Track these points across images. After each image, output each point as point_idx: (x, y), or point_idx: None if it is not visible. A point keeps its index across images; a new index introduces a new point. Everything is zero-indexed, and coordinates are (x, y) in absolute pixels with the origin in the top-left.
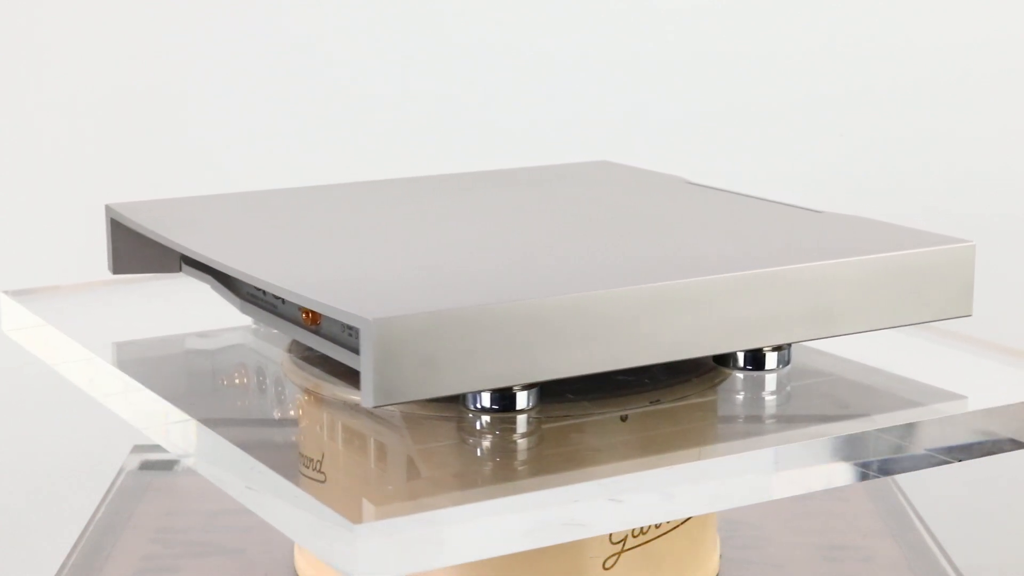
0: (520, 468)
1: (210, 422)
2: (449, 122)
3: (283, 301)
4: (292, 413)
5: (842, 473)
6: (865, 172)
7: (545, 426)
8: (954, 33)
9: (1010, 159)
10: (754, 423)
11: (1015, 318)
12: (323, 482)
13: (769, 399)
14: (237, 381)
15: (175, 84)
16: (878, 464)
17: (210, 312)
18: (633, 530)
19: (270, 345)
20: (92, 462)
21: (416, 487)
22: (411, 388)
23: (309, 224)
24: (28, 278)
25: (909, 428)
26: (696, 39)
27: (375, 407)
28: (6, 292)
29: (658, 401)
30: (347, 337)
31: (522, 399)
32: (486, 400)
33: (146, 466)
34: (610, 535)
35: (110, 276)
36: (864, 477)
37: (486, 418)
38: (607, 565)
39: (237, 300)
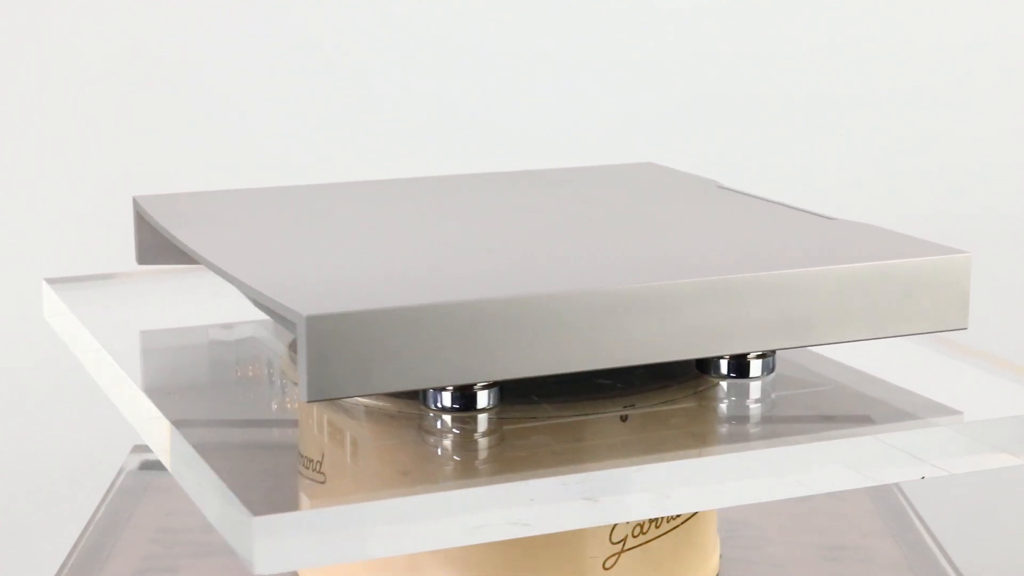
0: (457, 466)
1: (181, 422)
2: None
3: None
4: (270, 408)
5: (795, 486)
6: (865, 172)
7: (489, 427)
8: (954, 33)
9: (1011, 159)
10: (720, 430)
11: (1017, 318)
12: (323, 483)
13: (744, 407)
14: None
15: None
16: (837, 477)
17: (226, 306)
18: (633, 530)
19: (280, 340)
20: (92, 462)
21: (338, 484)
22: (347, 384)
23: (311, 221)
24: (81, 266)
25: (882, 440)
26: (695, 39)
27: (310, 401)
28: (48, 280)
29: (632, 406)
30: None
31: (481, 399)
32: (444, 399)
33: (146, 466)
34: (610, 535)
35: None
36: (812, 491)
37: (445, 417)
38: (607, 565)
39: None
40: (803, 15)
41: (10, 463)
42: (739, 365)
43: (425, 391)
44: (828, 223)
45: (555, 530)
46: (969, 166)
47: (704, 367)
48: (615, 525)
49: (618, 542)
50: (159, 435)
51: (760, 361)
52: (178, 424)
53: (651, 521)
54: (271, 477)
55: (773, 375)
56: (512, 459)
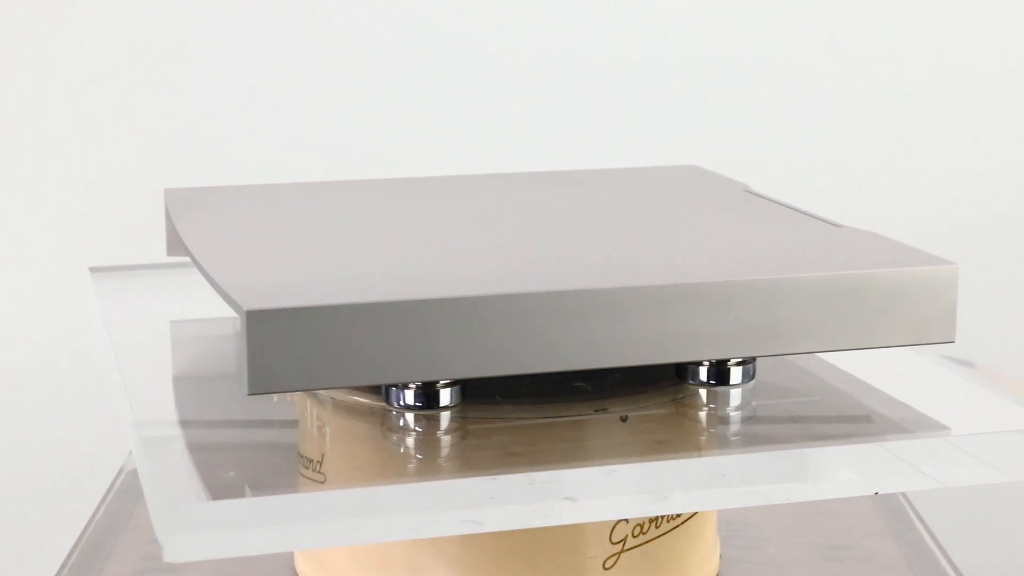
0: (407, 463)
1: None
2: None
3: None
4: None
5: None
6: (865, 172)
7: (449, 426)
8: (954, 33)
9: (1011, 160)
10: (687, 436)
11: (1017, 319)
12: (323, 482)
13: (717, 414)
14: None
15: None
16: (804, 490)
17: None
18: (633, 530)
19: None
20: (92, 462)
21: (264, 479)
22: (289, 378)
23: (317, 218)
24: (125, 255)
25: (844, 452)
26: (695, 38)
27: (251, 394)
28: (92, 269)
29: (604, 410)
30: None
31: (443, 398)
32: (406, 397)
33: None
34: (610, 535)
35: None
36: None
37: (407, 415)
38: (607, 565)
39: None
40: (803, 15)
41: (10, 463)
42: (718, 372)
43: (388, 389)
44: (832, 230)
45: (505, 528)
46: (969, 166)
47: (682, 373)
48: (615, 525)
49: (618, 542)
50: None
51: (739, 368)
52: (140, 422)
53: (651, 521)
54: (209, 469)
55: (753, 383)
56: (467, 458)
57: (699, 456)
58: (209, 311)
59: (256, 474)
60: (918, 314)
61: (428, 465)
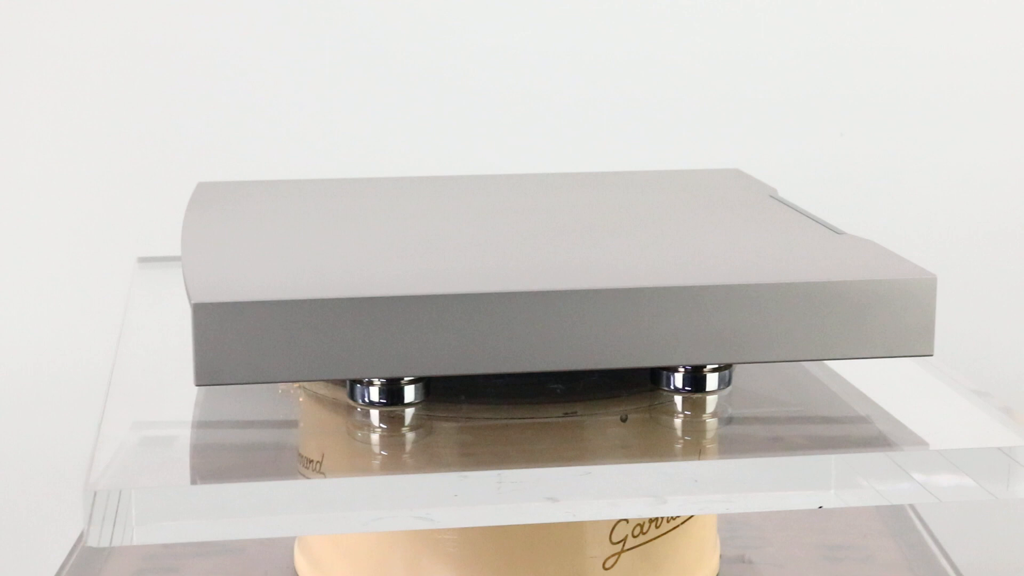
0: (358, 458)
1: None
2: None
3: None
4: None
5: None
6: (864, 172)
7: (410, 423)
8: (955, 33)
9: (1011, 160)
10: (652, 442)
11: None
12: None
13: (687, 421)
14: None
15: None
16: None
17: None
18: (633, 530)
19: None
20: None
21: (227, 469)
22: (235, 371)
23: (325, 215)
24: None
25: (808, 464)
26: (694, 38)
27: (198, 385)
28: (141, 259)
29: (574, 413)
30: None
31: (407, 395)
32: (368, 394)
33: None
34: (610, 535)
35: None
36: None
37: (372, 411)
38: (607, 565)
39: None
40: (803, 15)
41: (10, 463)
42: (692, 378)
43: (351, 385)
44: (830, 238)
45: (456, 526)
46: (971, 166)
47: (656, 379)
48: (615, 525)
49: (618, 542)
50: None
51: (715, 375)
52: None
53: (651, 521)
54: (151, 457)
55: (729, 389)
56: (426, 454)
57: (660, 462)
58: None
59: (211, 462)
60: (893, 326)
61: (383, 460)
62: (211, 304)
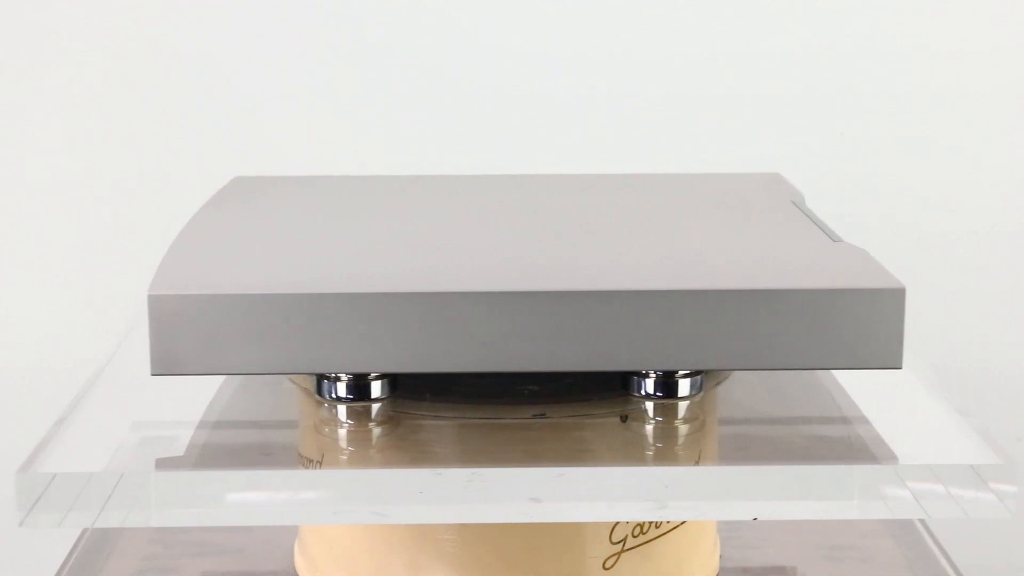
0: (312, 451)
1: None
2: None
3: None
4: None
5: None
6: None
7: (374, 419)
8: (955, 32)
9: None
10: (604, 446)
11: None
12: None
13: (655, 426)
14: None
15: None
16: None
17: None
18: (633, 530)
19: None
20: None
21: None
22: (190, 362)
23: (338, 211)
24: None
25: (768, 475)
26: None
27: (154, 375)
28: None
29: (543, 415)
30: None
31: (374, 391)
32: (336, 389)
33: None
34: (610, 535)
35: None
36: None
37: (340, 406)
38: (607, 565)
39: None
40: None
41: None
42: (664, 384)
43: (319, 381)
44: (823, 246)
45: (411, 522)
46: (971, 166)
47: (626, 384)
48: (615, 525)
49: (618, 542)
50: None
51: (687, 381)
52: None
53: (651, 521)
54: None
55: (700, 395)
56: (388, 451)
57: (622, 467)
58: None
59: (170, 450)
60: (859, 337)
61: (342, 455)
62: (165, 296)
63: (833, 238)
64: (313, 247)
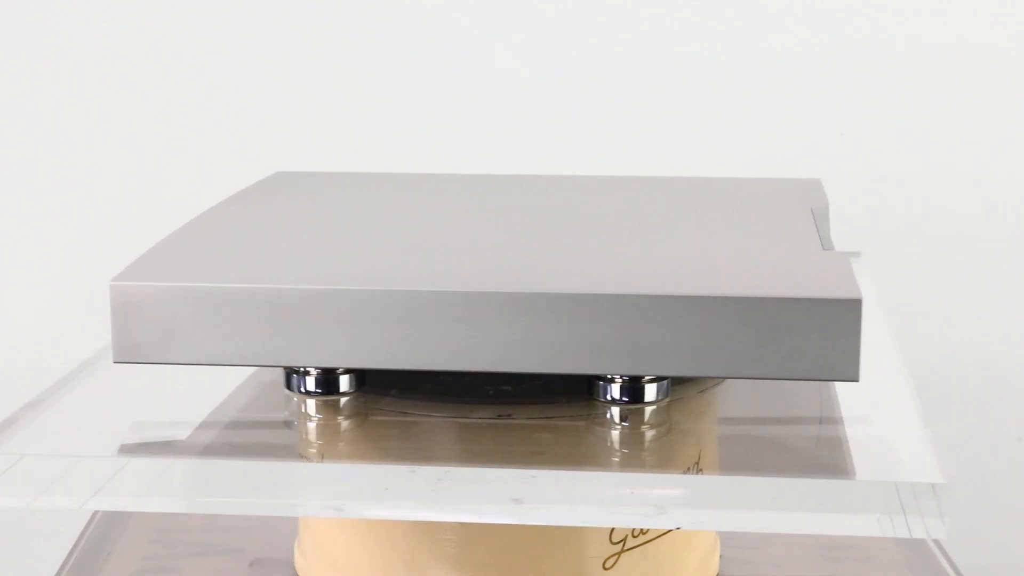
0: (268, 443)
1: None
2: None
3: None
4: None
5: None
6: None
7: (339, 414)
8: (955, 32)
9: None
10: (557, 449)
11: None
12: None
13: (617, 430)
14: None
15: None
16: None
17: None
18: (633, 530)
19: None
20: None
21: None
22: (150, 351)
23: (356, 208)
24: None
25: (718, 485)
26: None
27: (116, 362)
28: None
29: (509, 416)
30: None
31: (338, 386)
32: (304, 383)
33: None
34: (610, 535)
35: None
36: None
37: (310, 400)
38: (607, 565)
39: None
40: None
41: None
42: (629, 389)
43: (288, 375)
44: (810, 253)
45: (365, 517)
46: (971, 166)
47: (590, 388)
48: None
49: (618, 542)
50: None
51: (653, 386)
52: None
53: None
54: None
55: (667, 401)
56: (350, 446)
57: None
58: None
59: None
60: (813, 347)
61: (298, 447)
62: (126, 285)
63: (825, 246)
64: (298, 243)
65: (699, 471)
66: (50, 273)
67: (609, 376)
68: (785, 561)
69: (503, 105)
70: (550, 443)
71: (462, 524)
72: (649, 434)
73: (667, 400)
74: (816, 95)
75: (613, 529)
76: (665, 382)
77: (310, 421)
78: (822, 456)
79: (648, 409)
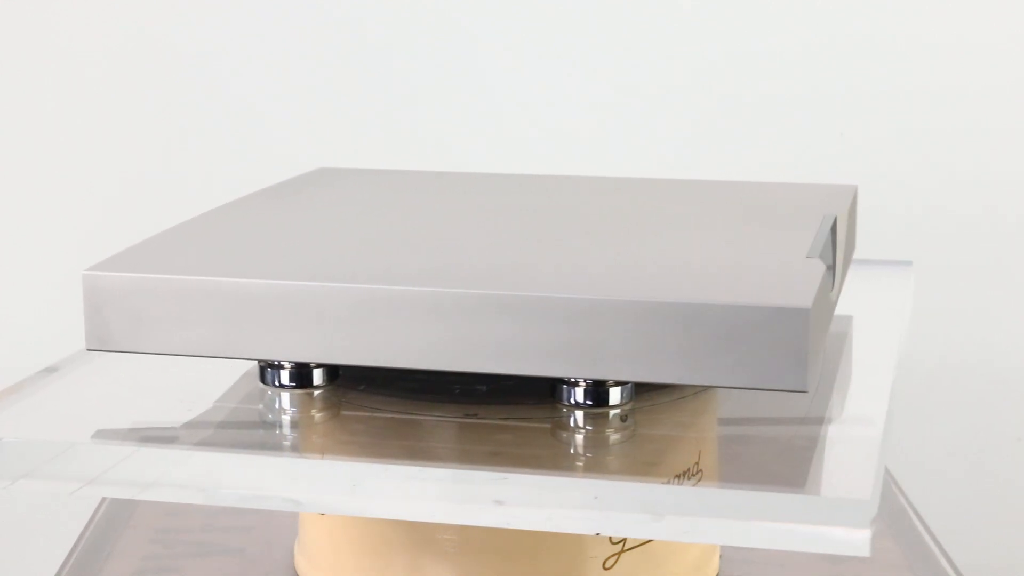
0: (235, 435)
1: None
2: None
3: None
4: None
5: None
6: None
7: (309, 408)
8: (955, 32)
9: (1012, 159)
10: (516, 451)
11: (1016, 320)
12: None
13: (568, 434)
14: None
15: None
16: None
17: None
18: None
19: None
20: None
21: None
22: (120, 339)
23: (374, 205)
24: None
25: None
26: (696, 38)
27: (89, 350)
28: None
29: (475, 415)
30: None
31: (303, 379)
32: (278, 377)
33: None
34: (610, 535)
35: None
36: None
37: (283, 393)
38: (607, 565)
39: None
40: (804, 13)
41: None
42: (595, 393)
43: (262, 368)
44: (786, 261)
45: (317, 511)
46: (970, 166)
47: (556, 393)
48: None
49: (618, 542)
50: None
51: (617, 390)
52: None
53: None
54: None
55: (629, 405)
56: (307, 440)
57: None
58: None
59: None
60: (759, 357)
61: (259, 440)
62: (97, 275)
63: (811, 253)
64: (285, 240)
65: (679, 479)
66: (50, 273)
67: (571, 379)
68: (786, 561)
69: (503, 105)
70: (512, 444)
71: (462, 524)
72: (613, 438)
73: (631, 404)
74: (816, 95)
75: None
76: (628, 386)
77: (283, 414)
78: (773, 467)
79: (611, 413)
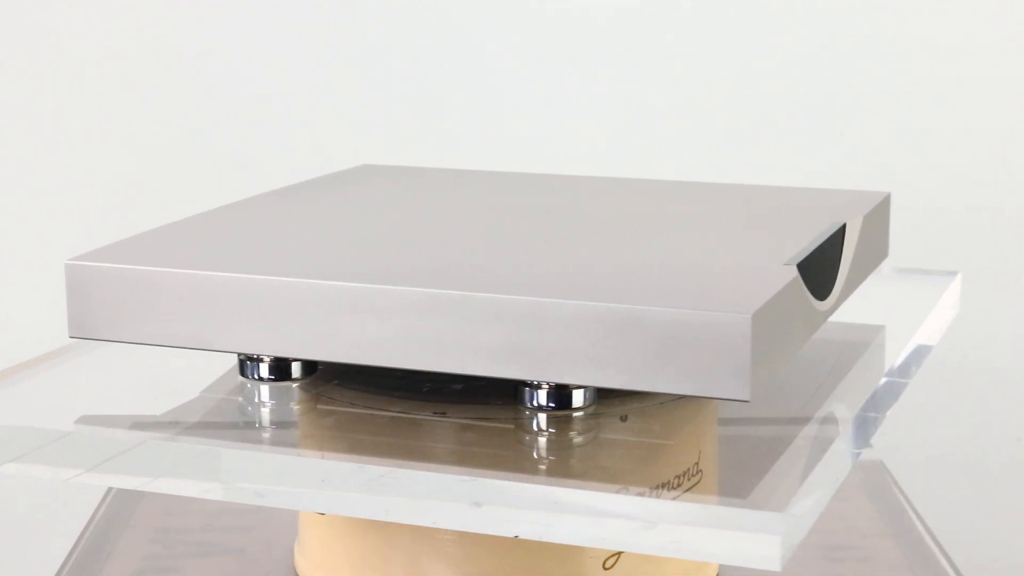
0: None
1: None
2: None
3: None
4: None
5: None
6: (864, 172)
7: (285, 401)
8: (955, 32)
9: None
10: (475, 451)
11: (1016, 320)
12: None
13: (528, 436)
14: None
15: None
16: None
17: None
18: None
19: None
20: None
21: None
22: (101, 328)
23: (395, 203)
24: None
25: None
26: (696, 38)
27: (72, 338)
28: None
29: (444, 413)
30: None
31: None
32: (257, 370)
33: None
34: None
35: None
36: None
37: (262, 387)
38: (607, 565)
39: None
40: (804, 13)
41: None
42: (558, 396)
43: (240, 360)
44: (758, 267)
45: (284, 507)
46: (971, 166)
47: (519, 395)
48: None
49: None
50: None
51: (580, 392)
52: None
53: None
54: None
55: (592, 408)
56: (274, 435)
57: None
58: None
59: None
60: (701, 364)
61: (230, 434)
62: (79, 265)
63: (790, 261)
64: (276, 236)
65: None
66: (50, 273)
67: (533, 382)
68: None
69: (503, 105)
70: (478, 443)
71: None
72: (577, 441)
73: (592, 407)
74: (816, 95)
75: None
76: (590, 390)
77: (263, 407)
78: (714, 474)
79: (575, 416)
